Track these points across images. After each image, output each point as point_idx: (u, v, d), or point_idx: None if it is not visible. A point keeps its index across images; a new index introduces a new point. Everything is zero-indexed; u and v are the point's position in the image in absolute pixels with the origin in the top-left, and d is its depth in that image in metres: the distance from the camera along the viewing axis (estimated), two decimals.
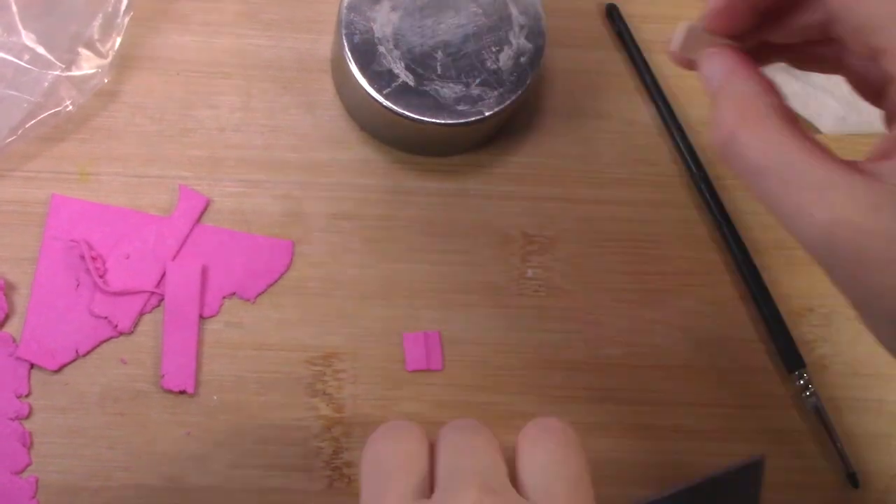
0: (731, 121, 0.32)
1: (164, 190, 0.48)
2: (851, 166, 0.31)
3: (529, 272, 0.50)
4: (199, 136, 0.49)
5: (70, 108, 0.46)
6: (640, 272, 0.50)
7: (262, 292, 0.48)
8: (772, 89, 0.33)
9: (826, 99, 0.53)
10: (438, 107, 0.46)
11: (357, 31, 0.46)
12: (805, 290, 0.51)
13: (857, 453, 0.49)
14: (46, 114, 0.46)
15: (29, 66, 0.46)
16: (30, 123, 0.45)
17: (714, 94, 0.34)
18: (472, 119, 0.47)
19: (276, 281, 0.48)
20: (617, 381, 0.49)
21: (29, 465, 0.45)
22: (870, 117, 0.53)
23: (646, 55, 0.53)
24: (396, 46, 0.47)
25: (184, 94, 0.50)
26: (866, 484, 0.49)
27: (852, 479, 0.48)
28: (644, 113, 0.53)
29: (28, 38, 0.45)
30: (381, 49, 0.46)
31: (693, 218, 0.52)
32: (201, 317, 0.47)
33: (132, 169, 0.48)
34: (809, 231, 0.30)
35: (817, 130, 0.53)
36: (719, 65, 0.35)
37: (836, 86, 0.53)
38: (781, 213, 0.31)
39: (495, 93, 0.47)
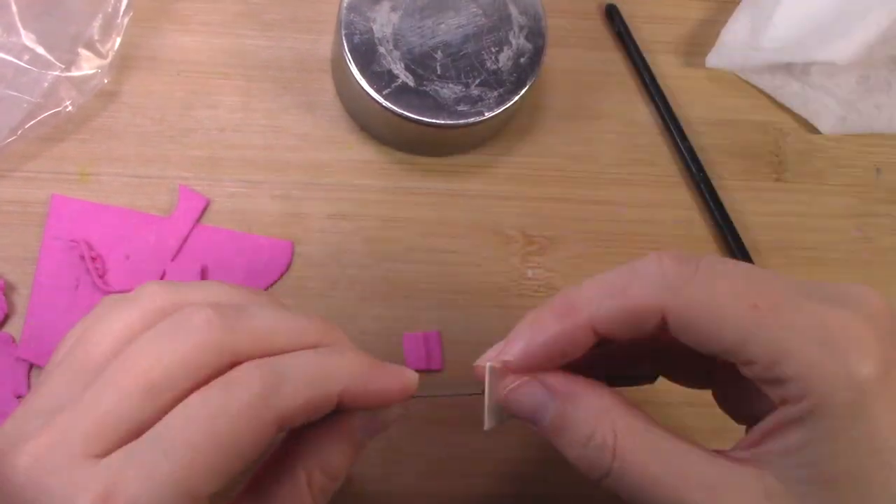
0: (605, 437, 0.32)
1: (164, 190, 0.48)
2: (727, 458, 0.31)
3: (530, 272, 0.50)
4: (199, 136, 0.49)
5: (70, 108, 0.46)
6: None
7: None
8: (618, 397, 0.33)
9: (826, 99, 0.53)
10: (438, 107, 0.46)
11: (357, 32, 0.46)
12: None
13: None
14: (46, 114, 0.46)
15: (29, 67, 0.46)
16: (30, 124, 0.45)
17: (551, 423, 0.34)
18: (472, 119, 0.47)
19: (276, 281, 0.48)
20: None
21: None
22: (869, 118, 0.53)
23: (646, 55, 0.53)
24: (396, 47, 0.47)
25: (184, 95, 0.50)
26: None
27: None
28: (644, 113, 0.53)
29: (28, 39, 0.45)
30: (381, 49, 0.46)
31: (693, 218, 0.52)
32: None
33: (132, 169, 0.48)
34: None
35: (817, 130, 0.53)
36: (544, 390, 0.34)
37: (836, 86, 0.53)
38: None
39: (495, 93, 0.47)
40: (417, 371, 0.46)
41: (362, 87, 0.46)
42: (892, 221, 0.53)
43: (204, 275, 0.47)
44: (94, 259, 0.46)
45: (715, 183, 0.52)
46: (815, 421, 0.29)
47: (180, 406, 0.30)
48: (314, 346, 0.33)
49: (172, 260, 0.47)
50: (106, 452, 0.29)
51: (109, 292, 0.46)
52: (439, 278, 0.49)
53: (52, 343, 0.45)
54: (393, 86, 0.46)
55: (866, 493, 0.29)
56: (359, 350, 0.35)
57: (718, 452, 0.32)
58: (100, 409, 0.30)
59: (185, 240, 0.48)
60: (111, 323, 0.32)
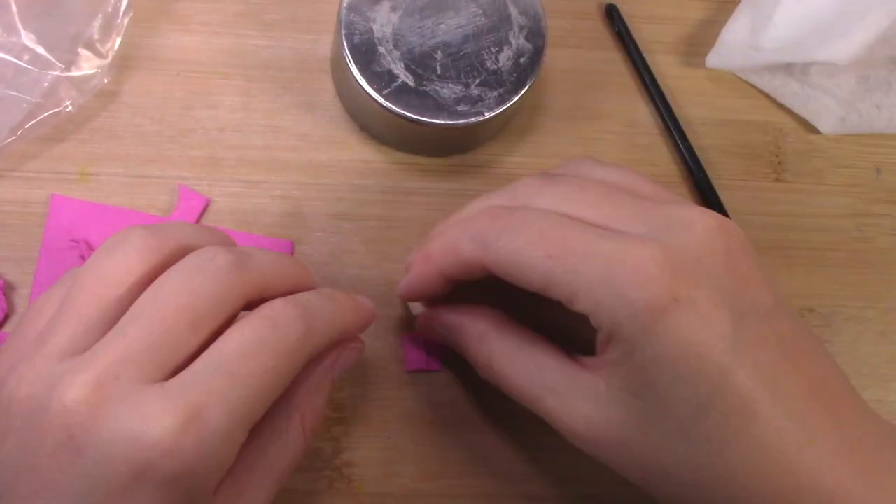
0: (485, 360, 0.40)
1: (164, 190, 0.48)
2: (581, 367, 0.38)
3: None
4: (199, 136, 0.49)
5: (70, 108, 0.46)
6: None
7: None
8: (500, 319, 0.41)
9: (826, 99, 0.53)
10: (438, 107, 0.46)
11: (357, 32, 0.46)
12: (805, 289, 0.51)
13: None
14: (46, 114, 0.46)
15: (29, 67, 0.46)
16: (30, 124, 0.45)
17: (456, 342, 0.42)
18: (472, 119, 0.47)
19: None
20: None
21: None
22: (869, 118, 0.53)
23: (645, 55, 0.54)
24: (396, 47, 0.47)
25: (183, 95, 0.50)
26: None
27: None
28: (644, 113, 0.53)
29: (28, 39, 0.45)
30: (381, 49, 0.46)
31: None
32: None
33: (132, 169, 0.48)
34: (576, 437, 0.38)
35: (817, 130, 0.53)
36: (442, 321, 0.43)
37: (836, 86, 0.53)
38: (551, 421, 0.38)
39: (495, 93, 0.47)
40: (417, 371, 0.47)
41: (362, 87, 0.46)
42: (892, 221, 0.53)
43: None
44: None
45: (715, 182, 0.52)
46: (615, 344, 0.35)
47: (233, 336, 0.33)
48: (308, 287, 0.39)
49: None
50: (164, 379, 0.32)
51: None
52: None
53: None
54: (393, 86, 0.46)
55: (664, 402, 0.34)
56: (342, 291, 0.41)
57: (574, 360, 0.38)
58: (149, 340, 0.32)
59: None
60: (113, 266, 0.34)
